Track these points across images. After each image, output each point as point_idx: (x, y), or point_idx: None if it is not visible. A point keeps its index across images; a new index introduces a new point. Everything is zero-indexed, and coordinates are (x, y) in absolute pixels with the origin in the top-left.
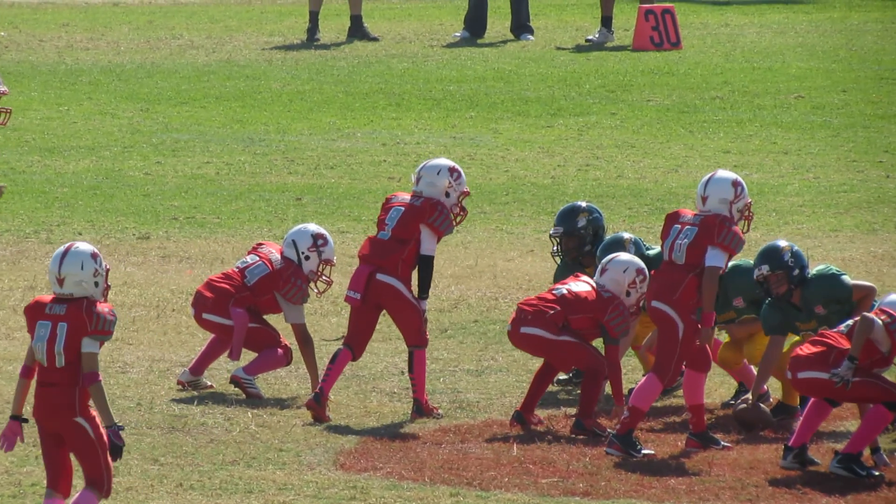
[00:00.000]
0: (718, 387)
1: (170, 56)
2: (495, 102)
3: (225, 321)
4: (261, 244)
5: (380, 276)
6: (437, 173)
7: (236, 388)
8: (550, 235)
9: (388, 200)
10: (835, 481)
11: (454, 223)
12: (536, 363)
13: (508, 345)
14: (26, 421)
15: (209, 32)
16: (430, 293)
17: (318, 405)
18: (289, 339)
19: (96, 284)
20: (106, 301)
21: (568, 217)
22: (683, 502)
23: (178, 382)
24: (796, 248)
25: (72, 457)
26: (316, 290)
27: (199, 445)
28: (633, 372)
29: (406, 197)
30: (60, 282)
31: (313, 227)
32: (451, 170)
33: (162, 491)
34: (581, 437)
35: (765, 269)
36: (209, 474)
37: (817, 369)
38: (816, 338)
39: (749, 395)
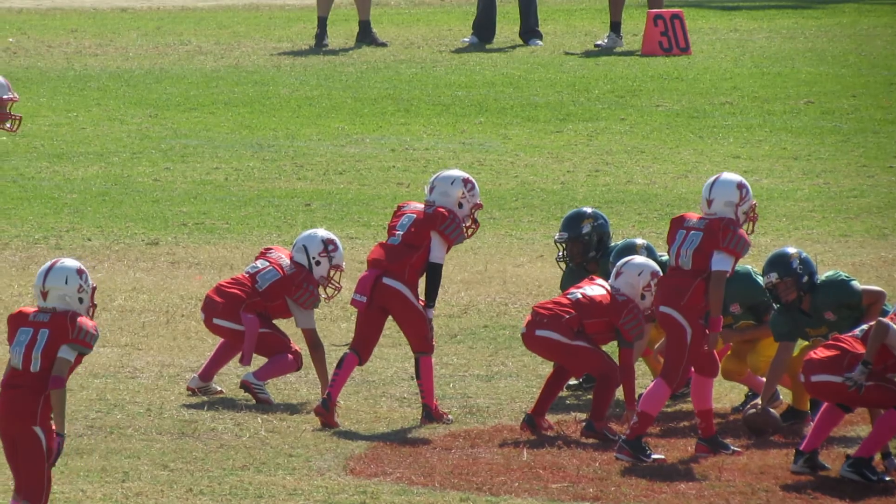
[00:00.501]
0: (728, 392)
1: (178, 62)
2: (504, 108)
3: (235, 326)
4: (269, 249)
5: (386, 281)
6: (451, 183)
7: (246, 394)
8: (556, 241)
9: (399, 208)
10: (846, 486)
11: (465, 235)
12: (547, 368)
13: (518, 350)
14: None
15: (217, 38)
16: (439, 299)
17: (326, 411)
18: (299, 343)
19: (80, 300)
20: (91, 318)
21: (573, 223)
22: None
23: (188, 388)
24: (804, 254)
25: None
26: (325, 296)
27: (209, 451)
28: (644, 377)
29: (419, 206)
30: (44, 295)
31: (323, 232)
32: (465, 181)
33: (172, 496)
34: (592, 440)
35: (773, 276)
36: (219, 479)
37: (831, 373)
38: (830, 342)
39: (759, 401)
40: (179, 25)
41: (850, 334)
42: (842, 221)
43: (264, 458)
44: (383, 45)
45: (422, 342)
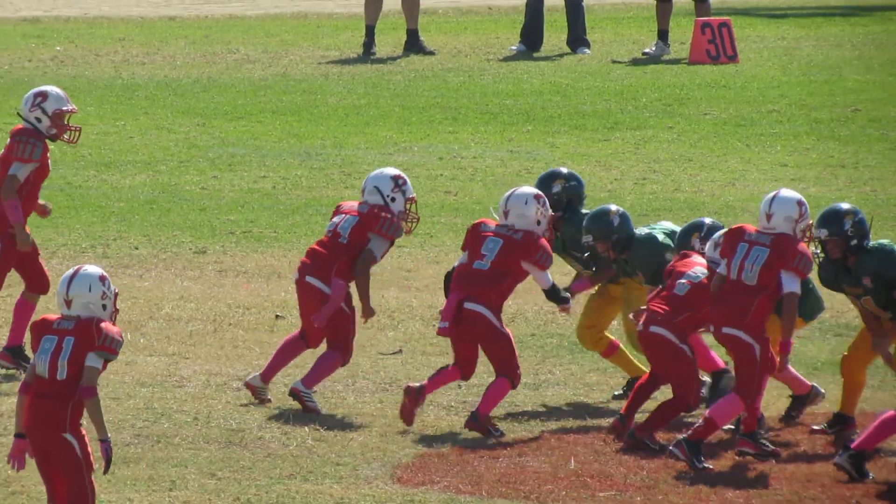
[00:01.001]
0: (776, 400)
1: (226, 70)
2: (552, 116)
3: (324, 288)
4: (340, 205)
5: (468, 305)
6: (525, 203)
7: (294, 402)
8: None
9: (477, 227)
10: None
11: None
12: (594, 377)
13: (566, 358)
14: None
15: (265, 47)
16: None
17: (413, 398)
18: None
19: (104, 307)
20: (115, 324)
21: (544, 183)
22: None
23: (246, 385)
24: (861, 215)
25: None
26: (405, 229)
27: (256, 459)
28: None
29: (494, 226)
30: (68, 303)
31: (389, 169)
32: (537, 197)
33: None
34: (638, 448)
35: (823, 232)
36: (266, 488)
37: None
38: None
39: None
40: (227, 34)
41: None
42: (889, 229)
43: (311, 467)
44: (431, 53)
45: (507, 367)
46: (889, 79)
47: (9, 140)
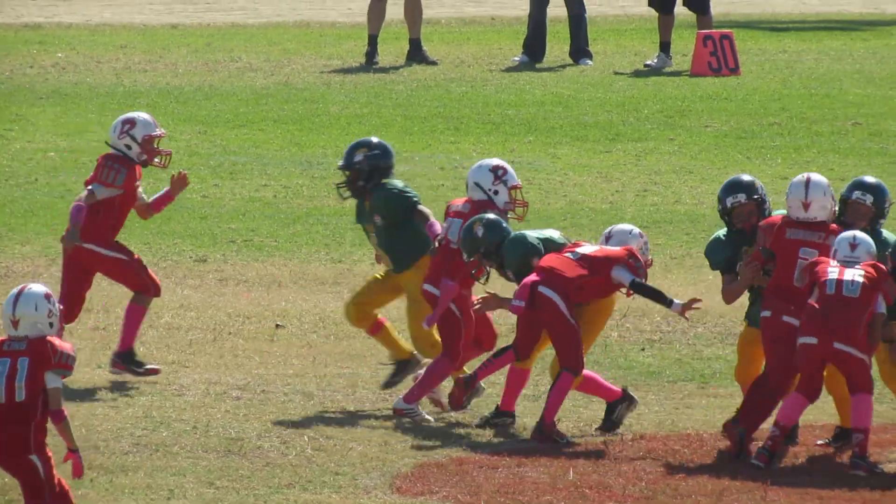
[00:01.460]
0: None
1: (228, 78)
2: (554, 127)
3: (437, 292)
4: (449, 205)
5: (542, 289)
6: (630, 234)
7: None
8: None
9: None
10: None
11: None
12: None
13: None
14: None
15: (267, 55)
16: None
17: (462, 388)
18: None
19: (51, 325)
20: (64, 341)
21: (349, 152)
22: None
23: (395, 411)
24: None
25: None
26: (515, 216)
27: (254, 469)
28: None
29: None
30: (15, 324)
31: (486, 161)
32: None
33: None
34: (639, 458)
35: (742, 197)
36: (265, 498)
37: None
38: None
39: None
40: (229, 42)
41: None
42: None
43: (310, 477)
44: (434, 63)
45: (570, 358)
46: (889, 93)
47: (97, 163)
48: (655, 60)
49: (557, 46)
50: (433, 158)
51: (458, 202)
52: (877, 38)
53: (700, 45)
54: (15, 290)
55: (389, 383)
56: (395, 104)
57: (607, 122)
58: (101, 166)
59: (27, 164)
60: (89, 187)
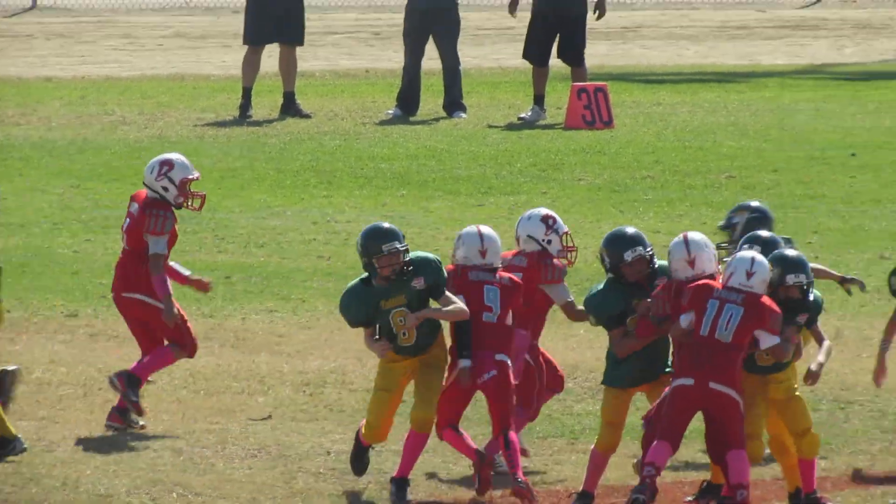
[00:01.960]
0: None
1: (101, 132)
2: (426, 180)
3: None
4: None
5: (498, 357)
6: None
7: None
8: None
9: None
10: None
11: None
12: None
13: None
14: None
15: (141, 108)
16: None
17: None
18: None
19: None
20: None
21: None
22: None
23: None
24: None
25: None
26: (566, 262)
27: None
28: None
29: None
30: None
31: (534, 211)
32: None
33: None
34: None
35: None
36: None
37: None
38: None
39: None
40: (104, 95)
41: None
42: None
43: None
44: (307, 116)
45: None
46: (763, 145)
47: (137, 210)
48: (529, 113)
49: (431, 99)
50: (305, 213)
51: (509, 254)
52: (751, 90)
53: (574, 98)
54: None
55: None
56: (268, 157)
57: (480, 175)
58: (148, 216)
59: None
60: (153, 251)
